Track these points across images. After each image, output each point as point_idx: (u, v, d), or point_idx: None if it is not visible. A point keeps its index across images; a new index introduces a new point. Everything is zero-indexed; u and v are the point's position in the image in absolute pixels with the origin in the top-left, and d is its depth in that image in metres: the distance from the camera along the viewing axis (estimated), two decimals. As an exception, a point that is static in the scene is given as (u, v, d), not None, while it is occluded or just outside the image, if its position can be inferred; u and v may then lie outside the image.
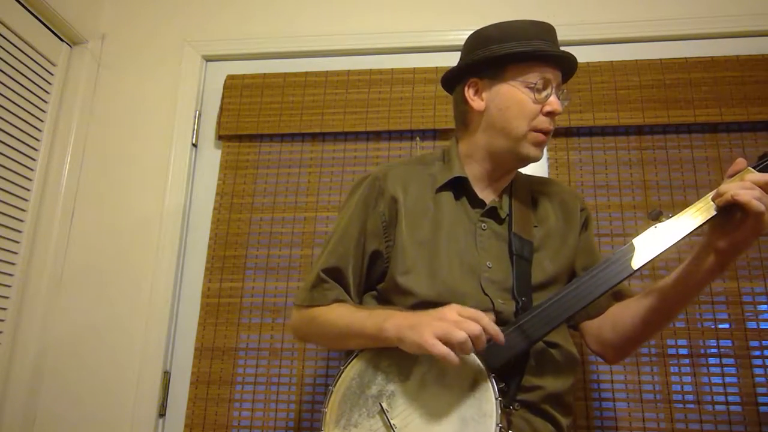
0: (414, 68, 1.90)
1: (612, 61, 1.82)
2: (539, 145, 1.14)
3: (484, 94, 1.16)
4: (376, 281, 1.18)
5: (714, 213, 0.99)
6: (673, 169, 1.74)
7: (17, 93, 1.77)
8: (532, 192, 1.25)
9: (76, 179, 1.95)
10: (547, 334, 1.03)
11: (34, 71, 1.84)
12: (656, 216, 1.03)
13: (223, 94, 1.96)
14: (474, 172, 1.19)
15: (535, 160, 1.15)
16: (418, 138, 1.87)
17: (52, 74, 1.93)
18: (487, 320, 0.94)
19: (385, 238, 1.16)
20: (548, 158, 1.78)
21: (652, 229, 1.03)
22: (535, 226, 1.19)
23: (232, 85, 1.97)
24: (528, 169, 1.27)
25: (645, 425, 1.57)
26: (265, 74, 1.97)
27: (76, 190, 1.94)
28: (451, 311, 0.95)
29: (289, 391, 1.71)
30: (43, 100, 1.88)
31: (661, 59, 1.80)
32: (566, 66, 1.16)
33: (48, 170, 1.89)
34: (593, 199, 1.73)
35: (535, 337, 1.02)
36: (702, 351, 1.60)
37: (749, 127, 1.73)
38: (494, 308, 1.07)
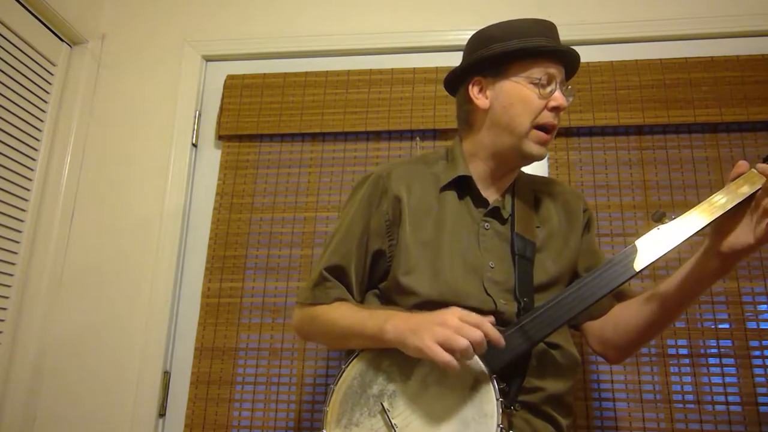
0: (414, 68, 1.90)
1: (612, 61, 1.82)
2: (543, 143, 1.14)
3: (488, 92, 1.16)
4: (378, 280, 1.18)
5: (719, 213, 0.99)
6: (673, 169, 1.74)
7: (17, 93, 1.77)
8: (535, 192, 1.25)
9: (76, 179, 1.94)
10: (548, 335, 1.03)
11: (34, 71, 1.84)
12: (659, 217, 1.03)
13: (223, 94, 1.96)
14: (478, 170, 1.19)
15: (539, 158, 1.15)
16: (418, 138, 1.87)
17: (52, 74, 1.92)
18: (489, 326, 0.95)
19: (388, 237, 1.15)
20: (548, 158, 1.78)
21: (654, 230, 1.03)
22: (538, 227, 1.19)
23: (232, 85, 1.96)
24: (528, 169, 1.27)
25: (645, 425, 1.57)
26: (265, 74, 1.96)
27: (76, 190, 1.94)
28: (453, 316, 0.95)
29: (289, 391, 1.71)
30: (43, 100, 1.88)
31: (661, 59, 1.80)
32: (569, 62, 1.16)
33: (48, 170, 1.88)
34: (593, 199, 1.73)
35: (536, 338, 1.02)
36: (702, 351, 1.60)
37: (749, 127, 1.73)
38: (496, 308, 1.07)
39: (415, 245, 1.12)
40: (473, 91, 1.17)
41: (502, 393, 0.96)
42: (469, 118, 1.21)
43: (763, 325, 1.60)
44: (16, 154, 1.77)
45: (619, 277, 1.02)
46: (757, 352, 1.58)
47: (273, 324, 1.76)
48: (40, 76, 1.87)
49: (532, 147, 1.13)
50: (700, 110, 1.74)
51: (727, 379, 1.57)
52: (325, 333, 1.16)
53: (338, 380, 1.05)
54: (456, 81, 1.23)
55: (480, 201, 1.18)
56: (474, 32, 1.21)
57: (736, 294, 1.62)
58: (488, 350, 0.96)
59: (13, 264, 1.77)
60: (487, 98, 1.16)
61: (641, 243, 1.03)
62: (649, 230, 1.04)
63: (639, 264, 1.01)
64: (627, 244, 1.05)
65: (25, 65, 1.81)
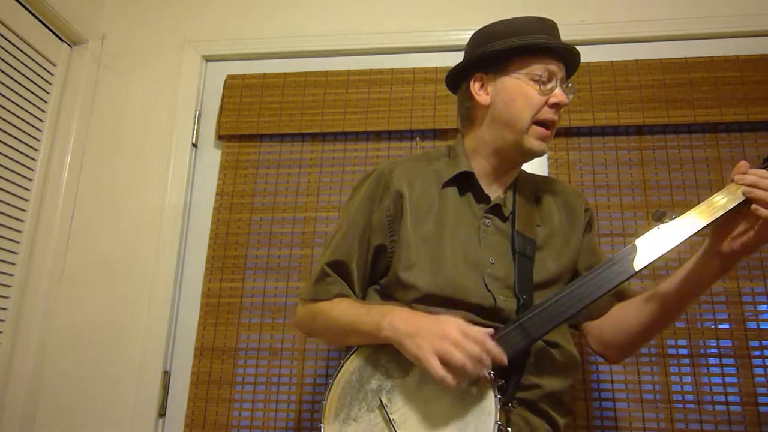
0: (414, 68, 1.90)
1: (612, 61, 1.82)
2: (543, 138, 1.14)
3: (489, 89, 1.16)
4: (379, 275, 1.18)
5: (719, 214, 0.99)
6: (673, 169, 1.74)
7: (17, 93, 1.77)
8: (536, 190, 1.25)
9: (76, 179, 1.94)
10: (547, 332, 1.03)
11: (34, 71, 1.84)
12: (660, 217, 1.03)
13: (223, 94, 1.96)
14: (480, 167, 1.20)
15: (540, 153, 1.16)
16: (418, 138, 1.87)
17: (52, 74, 1.92)
18: (492, 343, 0.94)
19: (389, 232, 1.16)
20: (548, 158, 1.79)
21: (654, 230, 1.03)
22: (538, 225, 1.19)
23: (232, 85, 1.97)
24: (528, 169, 1.27)
25: (645, 425, 1.57)
26: (265, 74, 1.97)
27: (76, 190, 1.94)
28: (454, 329, 0.95)
29: (289, 391, 1.71)
30: (43, 100, 1.88)
31: (661, 59, 1.80)
32: (569, 60, 1.17)
33: (48, 170, 1.88)
34: (593, 199, 1.73)
35: (535, 336, 1.02)
36: (702, 351, 1.60)
37: (749, 127, 1.73)
38: (496, 304, 1.08)
39: (416, 241, 1.13)
40: (474, 87, 1.18)
41: (501, 390, 0.97)
42: (470, 114, 1.21)
43: (763, 325, 1.60)
44: (16, 153, 1.77)
45: (618, 276, 1.02)
46: (757, 352, 1.58)
47: (273, 324, 1.76)
48: (40, 76, 1.87)
49: (532, 142, 1.14)
50: (700, 110, 1.74)
51: (727, 379, 1.57)
52: (326, 330, 1.17)
53: (336, 375, 1.06)
54: (457, 78, 1.24)
55: (481, 197, 1.18)
56: (474, 31, 1.21)
57: (736, 294, 1.62)
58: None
59: (14, 264, 1.77)
60: (488, 94, 1.16)
61: (641, 242, 1.03)
62: (649, 230, 1.04)
63: (639, 263, 1.01)
64: (627, 243, 1.05)
65: (25, 65, 1.81)
